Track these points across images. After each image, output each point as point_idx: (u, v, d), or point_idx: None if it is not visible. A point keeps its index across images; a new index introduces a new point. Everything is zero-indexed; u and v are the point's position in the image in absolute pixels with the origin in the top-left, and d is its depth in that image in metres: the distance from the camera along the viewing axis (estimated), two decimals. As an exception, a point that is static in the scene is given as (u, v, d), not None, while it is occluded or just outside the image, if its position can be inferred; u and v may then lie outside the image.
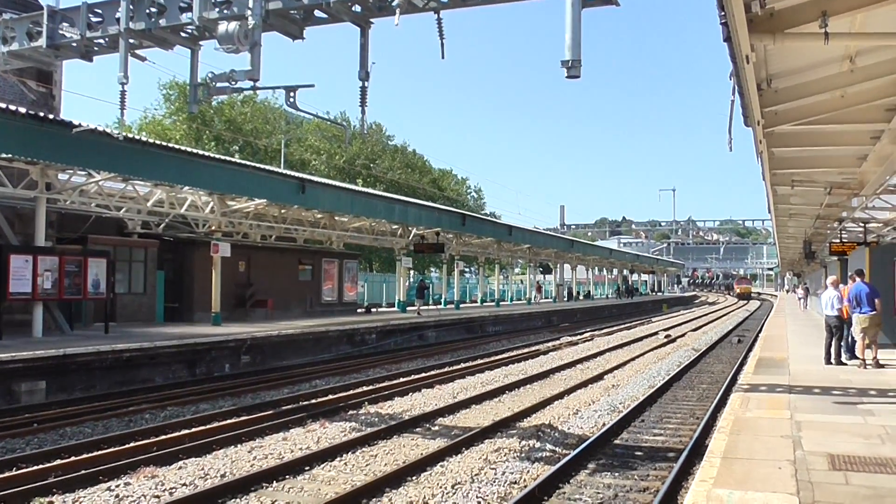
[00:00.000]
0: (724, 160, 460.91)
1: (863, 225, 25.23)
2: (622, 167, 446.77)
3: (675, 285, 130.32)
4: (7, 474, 9.51)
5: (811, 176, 17.63)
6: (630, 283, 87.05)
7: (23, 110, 16.89)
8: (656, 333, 34.77)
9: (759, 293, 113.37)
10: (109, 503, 8.49)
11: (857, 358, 15.82)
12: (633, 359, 24.15)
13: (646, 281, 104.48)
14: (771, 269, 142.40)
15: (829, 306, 16.40)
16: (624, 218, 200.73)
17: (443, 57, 11.38)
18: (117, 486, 9.12)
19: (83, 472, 9.57)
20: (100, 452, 10.71)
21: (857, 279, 15.70)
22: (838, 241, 27.20)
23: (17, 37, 13.38)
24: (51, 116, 18.31)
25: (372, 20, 11.32)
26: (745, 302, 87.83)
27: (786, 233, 36.31)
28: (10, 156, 17.44)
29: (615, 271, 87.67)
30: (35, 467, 9.89)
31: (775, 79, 10.74)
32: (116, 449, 10.93)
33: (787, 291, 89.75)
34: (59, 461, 10.22)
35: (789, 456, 7.69)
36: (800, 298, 52.89)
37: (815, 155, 15.48)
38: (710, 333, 35.89)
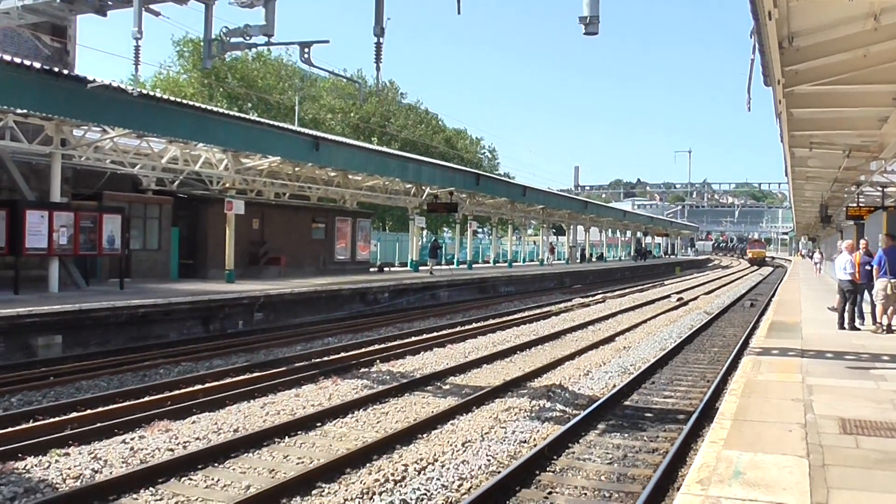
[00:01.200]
0: (742, 121, 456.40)
1: (881, 189, 24.93)
2: (638, 128, 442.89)
3: (689, 248, 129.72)
4: (25, 426, 9.66)
5: (830, 138, 17.39)
6: (643, 245, 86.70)
7: (38, 65, 16.86)
8: (669, 296, 34.74)
9: (773, 258, 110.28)
10: (124, 455, 8.61)
11: (877, 323, 15.70)
12: (644, 321, 24.17)
13: (659, 244, 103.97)
14: (786, 233, 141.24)
15: (843, 270, 16.32)
16: (639, 180, 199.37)
17: (458, 12, 11.25)
18: (132, 439, 9.26)
19: (99, 424, 9.71)
20: (115, 406, 10.86)
21: (890, 242, 15.48)
22: (855, 205, 26.96)
23: (31, -10, 13.28)
24: (65, 72, 18.28)
25: (387, -26, 11.17)
26: (758, 268, 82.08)
27: (802, 196, 35.98)
28: (25, 111, 17.45)
29: (629, 233, 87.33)
30: (52, 419, 10.03)
31: (797, 37, 10.52)
32: (131, 403, 11.07)
33: (802, 256, 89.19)
34: (75, 414, 10.37)
35: (800, 419, 7.69)
36: (815, 263, 52.37)
37: (834, 116, 15.25)
38: (723, 297, 35.83)
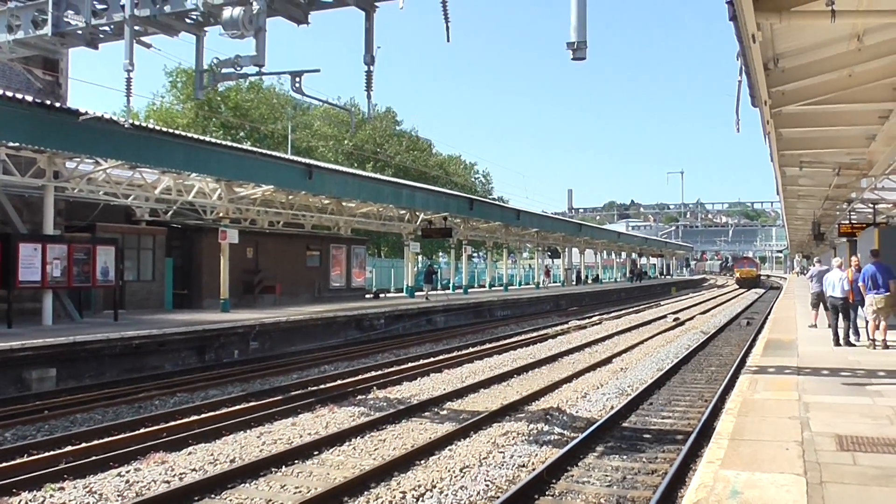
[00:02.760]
0: (733, 142, 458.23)
1: (872, 206, 25.09)
2: (630, 151, 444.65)
3: (685, 268, 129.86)
4: (19, 460, 9.59)
5: (819, 157, 17.53)
6: (639, 266, 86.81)
7: (30, 98, 16.92)
8: (665, 317, 34.73)
9: (769, 275, 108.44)
10: (120, 489, 8.55)
11: (870, 339, 15.73)
12: (641, 342, 24.14)
13: (654, 264, 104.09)
14: (780, 251, 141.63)
15: (833, 287, 16.39)
16: (632, 201, 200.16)
17: (448, 40, 11.32)
18: (128, 472, 9.20)
19: (94, 458, 9.66)
20: (110, 438, 10.79)
21: (872, 259, 15.61)
22: (847, 222, 27.06)
23: (23, 25, 13.37)
24: (58, 104, 18.36)
25: (377, 3, 11.27)
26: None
27: (795, 214, 36.15)
28: (17, 144, 17.48)
29: (624, 255, 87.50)
30: (46, 453, 9.96)
31: (782, 58, 10.66)
32: (127, 435, 11.02)
33: (797, 274, 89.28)
34: (70, 447, 10.30)
35: (797, 437, 7.68)
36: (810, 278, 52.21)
37: (823, 135, 15.37)
38: (719, 316, 35.84)
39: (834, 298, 16.43)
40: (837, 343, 16.10)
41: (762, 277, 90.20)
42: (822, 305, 19.57)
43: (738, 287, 76.48)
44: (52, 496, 8.26)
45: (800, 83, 11.33)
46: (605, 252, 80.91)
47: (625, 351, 21.85)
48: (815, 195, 25.34)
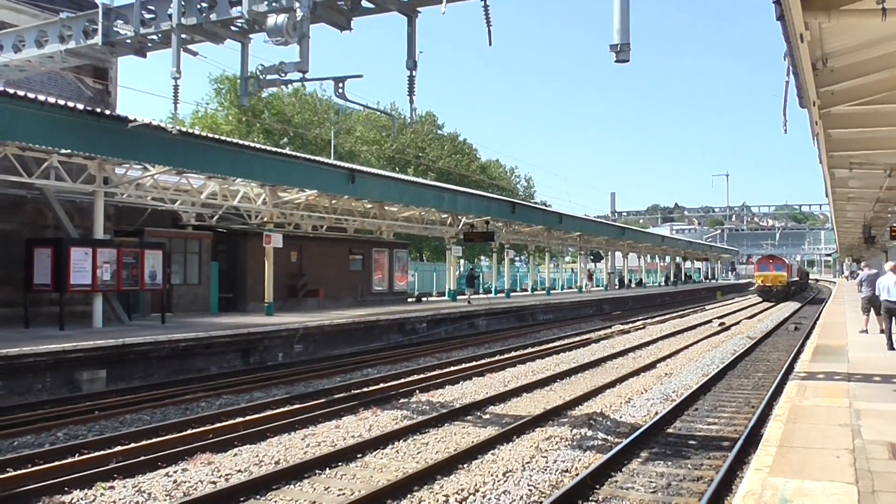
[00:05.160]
0: (780, 144, 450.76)
1: (925, 208, 24.51)
2: (674, 153, 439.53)
3: (730, 272, 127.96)
4: (71, 460, 9.79)
5: (870, 158, 17.16)
6: (683, 270, 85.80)
7: (81, 106, 17.30)
8: (710, 321, 34.29)
9: (818, 279, 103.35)
10: (168, 488, 8.69)
11: None
12: (686, 347, 23.85)
13: (699, 268, 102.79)
14: (829, 254, 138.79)
15: (889, 291, 16.02)
16: (676, 204, 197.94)
17: (490, 44, 11.38)
18: (175, 472, 9.34)
19: (142, 458, 9.82)
20: (158, 439, 10.97)
21: None
22: (899, 224, 26.42)
23: (74, 35, 13.74)
24: (107, 112, 18.76)
25: (419, 9, 11.36)
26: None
27: (844, 217, 35.42)
28: (69, 151, 17.88)
29: (667, 259, 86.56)
30: (97, 453, 10.15)
31: (831, 58, 10.45)
32: (174, 436, 11.18)
33: (847, 278, 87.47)
34: (119, 447, 10.48)
35: (848, 445, 7.52)
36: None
37: (873, 136, 15.03)
38: (766, 321, 35.25)
39: (889, 303, 16.05)
40: (892, 348, 15.73)
41: (802, 283, 69.87)
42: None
43: (761, 299, 53.41)
44: (102, 495, 8.42)
45: (850, 83, 11.11)
46: (648, 256, 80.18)
47: (669, 356, 21.61)
48: (866, 197, 24.82)
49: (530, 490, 8.68)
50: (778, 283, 53.12)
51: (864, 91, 11.46)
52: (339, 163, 29.47)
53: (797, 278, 62.89)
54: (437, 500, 8.27)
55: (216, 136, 22.55)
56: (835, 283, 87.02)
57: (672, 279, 75.88)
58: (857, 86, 11.28)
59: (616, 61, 9.51)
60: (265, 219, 27.11)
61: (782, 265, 55.29)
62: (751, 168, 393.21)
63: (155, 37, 12.85)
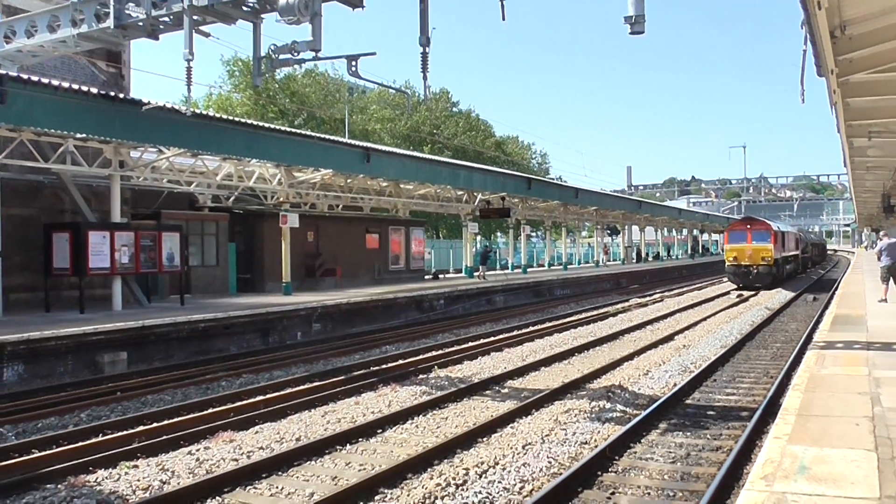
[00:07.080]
0: (797, 114, 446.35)
1: (946, 176, 24.22)
2: (690, 125, 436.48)
3: None
4: (95, 440, 9.95)
5: (889, 126, 16.92)
6: (699, 242, 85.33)
7: (95, 90, 17.37)
8: (728, 293, 34.15)
9: (836, 250, 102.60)
10: (191, 466, 8.80)
11: None
12: (703, 319, 23.80)
13: (717, 241, 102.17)
14: (847, 225, 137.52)
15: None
16: (693, 177, 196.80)
17: (503, 18, 11.32)
18: (197, 451, 9.46)
19: (165, 437, 9.94)
20: (180, 419, 11.10)
21: None
22: (919, 193, 26.09)
23: (87, 19, 13.78)
24: (121, 95, 18.80)
25: (430, -16, 11.28)
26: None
27: (863, 187, 35.04)
28: (84, 135, 17.97)
29: (685, 232, 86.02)
30: (120, 433, 10.29)
31: (849, 25, 10.29)
32: (195, 415, 11.31)
33: (866, 248, 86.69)
34: (142, 427, 10.62)
35: (867, 412, 7.50)
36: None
37: (893, 104, 14.81)
38: (784, 292, 35.04)
39: None
40: (910, 317, 15.61)
41: (810, 258, 54.98)
42: (892, 279, 19.02)
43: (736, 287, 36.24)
44: (126, 474, 8.54)
45: (868, 50, 10.93)
46: (665, 229, 79.76)
47: (687, 328, 21.57)
48: (885, 166, 24.53)
49: (549, 462, 8.73)
50: (760, 260, 35.57)
51: (883, 58, 11.28)
52: (354, 142, 29.45)
53: (796, 251, 45.07)
54: (458, 474, 8.33)
55: (230, 118, 22.56)
56: (853, 252, 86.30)
57: (690, 252, 75.48)
58: (876, 53, 11.10)
59: (631, 33, 9.46)
60: (281, 199, 27.16)
61: (767, 232, 36.06)
62: (768, 139, 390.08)
63: (167, 19, 12.85)
